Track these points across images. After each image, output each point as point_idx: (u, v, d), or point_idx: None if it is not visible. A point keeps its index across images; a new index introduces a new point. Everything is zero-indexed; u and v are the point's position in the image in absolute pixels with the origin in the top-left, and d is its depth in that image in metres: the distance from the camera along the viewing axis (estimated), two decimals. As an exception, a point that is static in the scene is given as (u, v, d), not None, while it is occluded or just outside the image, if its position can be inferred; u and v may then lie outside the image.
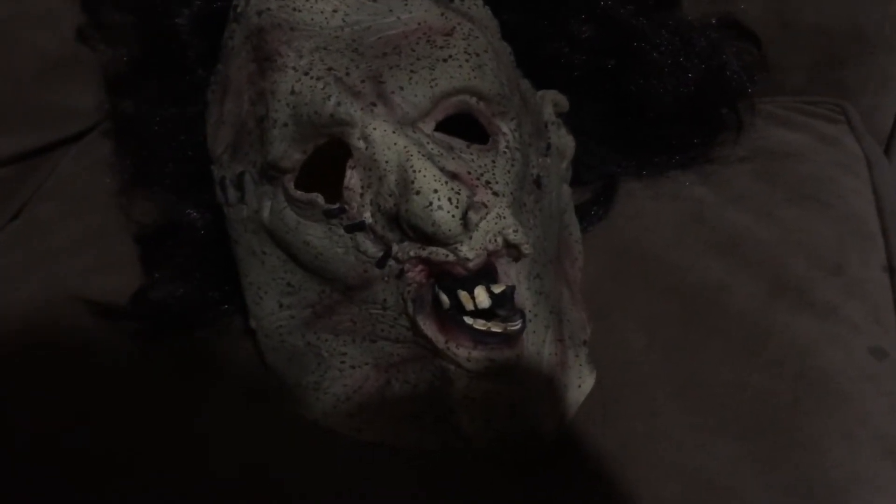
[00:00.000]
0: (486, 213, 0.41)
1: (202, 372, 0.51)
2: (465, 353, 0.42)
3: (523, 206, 0.45)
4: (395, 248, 0.42)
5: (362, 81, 0.42)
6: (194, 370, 0.51)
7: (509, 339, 0.42)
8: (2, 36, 0.68)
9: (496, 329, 0.42)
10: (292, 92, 0.42)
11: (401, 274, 0.42)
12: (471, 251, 0.41)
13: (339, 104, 0.41)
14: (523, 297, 0.44)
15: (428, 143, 0.42)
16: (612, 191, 0.60)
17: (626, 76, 0.58)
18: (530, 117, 0.49)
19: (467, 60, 0.43)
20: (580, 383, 0.47)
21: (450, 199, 0.40)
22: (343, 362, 0.47)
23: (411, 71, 0.42)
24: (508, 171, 0.44)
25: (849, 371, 0.47)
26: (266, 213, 0.45)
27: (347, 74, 0.42)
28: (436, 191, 0.40)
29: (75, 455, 0.47)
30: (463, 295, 0.41)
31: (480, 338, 0.42)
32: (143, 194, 0.61)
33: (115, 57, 0.67)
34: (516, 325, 0.42)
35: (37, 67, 0.70)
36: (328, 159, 0.44)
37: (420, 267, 0.42)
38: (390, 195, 0.41)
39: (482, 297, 0.41)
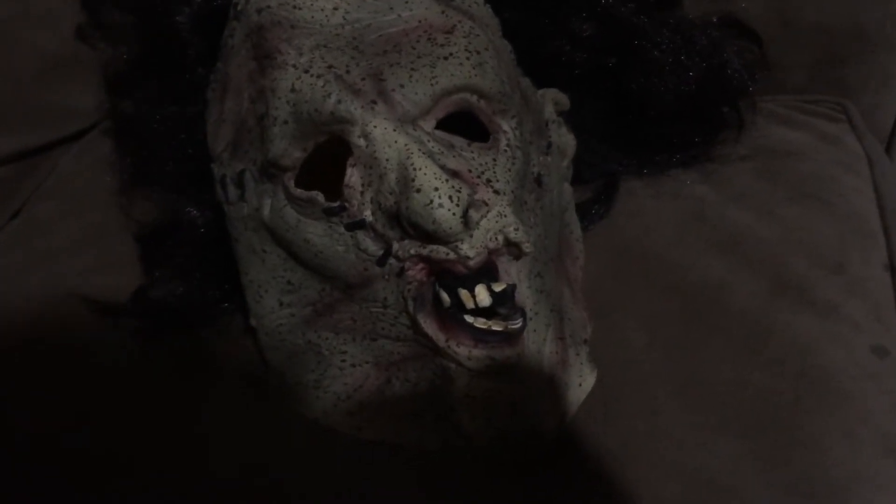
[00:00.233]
0: (487, 212, 0.41)
1: (202, 371, 0.51)
2: (465, 351, 0.42)
3: (524, 205, 0.45)
4: (395, 246, 0.42)
5: (363, 79, 0.42)
6: (194, 369, 0.51)
7: (510, 337, 0.42)
8: (2, 35, 0.68)
9: (497, 327, 0.42)
10: (292, 90, 0.42)
11: (401, 272, 0.42)
12: (471, 249, 0.41)
13: (339, 102, 0.41)
14: (524, 296, 0.44)
15: (428, 140, 0.42)
16: (613, 189, 0.60)
17: (627, 74, 0.58)
18: (531, 115, 0.49)
19: (468, 58, 0.43)
20: (581, 382, 0.47)
21: (450, 197, 0.40)
22: (343, 361, 0.47)
23: (412, 69, 0.42)
24: (509, 170, 0.44)
25: (850, 369, 0.47)
26: (266, 212, 0.45)
27: (348, 72, 0.42)
28: (436, 189, 0.39)
29: (75, 455, 0.47)
30: (463, 293, 0.41)
31: (481, 336, 0.41)
32: (143, 193, 0.61)
33: (115, 56, 0.67)
34: (517, 324, 0.42)
35: (37, 66, 0.70)
36: (328, 157, 0.44)
37: (421, 265, 0.42)
38: (391, 193, 0.41)
39: (483, 296, 0.41)
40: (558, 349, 0.46)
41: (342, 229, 0.43)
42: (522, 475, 0.44)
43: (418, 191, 0.40)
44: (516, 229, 0.42)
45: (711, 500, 0.42)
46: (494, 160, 0.44)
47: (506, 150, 0.44)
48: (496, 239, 0.41)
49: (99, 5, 0.68)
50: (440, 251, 0.41)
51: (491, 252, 0.42)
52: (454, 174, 0.41)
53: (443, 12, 0.44)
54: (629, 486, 0.43)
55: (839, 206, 0.58)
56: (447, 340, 0.42)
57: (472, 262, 0.41)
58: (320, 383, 0.47)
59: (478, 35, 0.44)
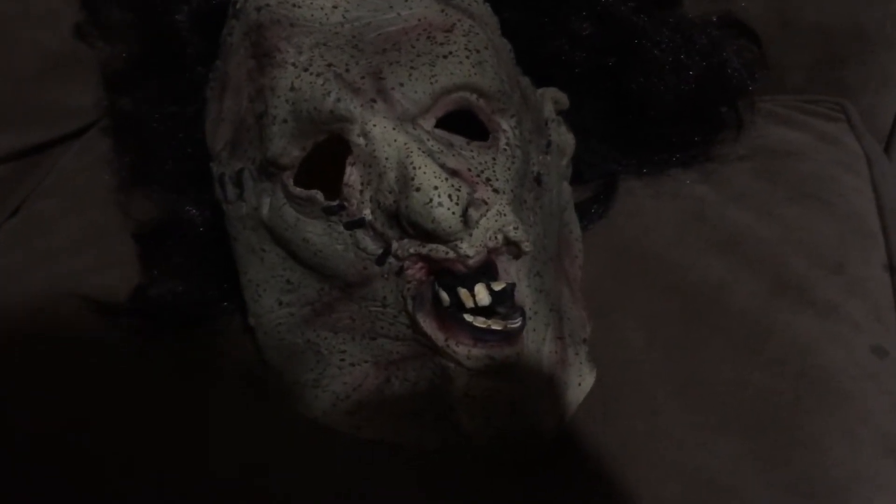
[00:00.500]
0: (487, 211, 0.41)
1: (202, 371, 0.51)
2: (464, 350, 0.42)
3: (523, 204, 0.45)
4: (394, 245, 0.42)
5: (362, 78, 0.42)
6: (194, 369, 0.51)
7: (509, 336, 0.42)
8: (2, 34, 0.68)
9: (496, 327, 0.42)
10: (292, 88, 0.42)
11: (400, 271, 0.42)
12: (471, 248, 0.41)
13: (338, 100, 0.41)
14: (523, 295, 0.44)
15: (428, 139, 0.42)
16: (612, 189, 0.60)
17: (626, 74, 0.58)
18: (530, 114, 0.48)
19: (467, 57, 0.43)
20: (580, 381, 0.47)
21: (450, 196, 0.39)
22: (342, 360, 0.47)
23: (411, 67, 0.42)
24: (509, 169, 0.44)
25: (850, 370, 0.47)
26: (265, 210, 0.45)
27: (347, 71, 0.42)
28: (436, 187, 0.39)
29: (75, 455, 0.47)
30: (463, 292, 0.41)
31: (480, 335, 0.41)
32: (142, 192, 0.61)
33: (115, 54, 0.67)
34: (516, 323, 0.42)
35: (37, 65, 0.70)
36: (327, 156, 0.44)
37: (420, 264, 0.42)
38: (390, 192, 0.41)
39: (482, 295, 0.41)
40: (557, 349, 0.46)
41: (341, 228, 0.43)
42: (522, 475, 0.44)
43: (418, 189, 0.40)
44: (516, 228, 0.42)
45: (711, 500, 0.42)
46: (494, 159, 0.44)
47: (505, 149, 0.44)
48: (495, 238, 0.41)
49: (98, 4, 0.68)
50: (439, 250, 0.41)
51: (490, 251, 0.42)
52: (454, 173, 0.41)
53: (442, 11, 0.44)
54: (629, 486, 0.43)
55: (839, 205, 0.58)
56: (446, 339, 0.42)
57: (471, 261, 0.41)
58: (319, 382, 0.47)
59: (477, 34, 0.44)
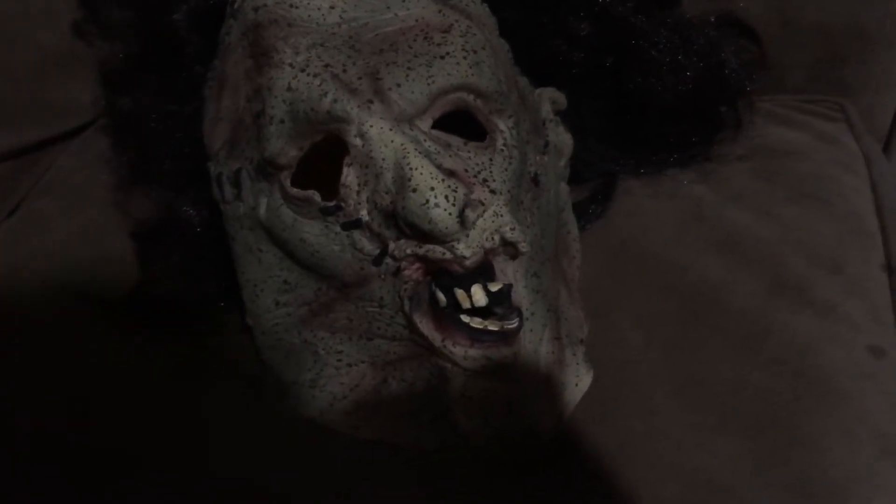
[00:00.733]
0: (484, 211, 0.41)
1: (199, 370, 0.51)
2: (461, 351, 0.42)
3: (521, 204, 0.45)
4: (391, 245, 0.42)
5: (359, 78, 0.42)
6: (191, 368, 0.51)
7: (506, 337, 0.42)
8: (2, 32, 0.68)
9: (493, 327, 0.42)
10: (289, 88, 0.42)
11: (397, 272, 0.42)
12: (468, 249, 0.41)
13: (335, 101, 0.41)
14: (520, 296, 0.44)
15: (425, 140, 0.42)
16: (610, 189, 0.60)
17: (624, 74, 0.58)
18: (528, 115, 0.48)
19: (465, 57, 0.43)
20: (577, 382, 0.47)
21: (447, 197, 0.39)
22: (340, 360, 0.47)
23: (408, 68, 0.42)
24: (506, 169, 0.44)
25: (848, 369, 0.47)
26: (262, 210, 0.45)
27: (344, 71, 0.42)
28: (433, 188, 0.39)
29: (75, 455, 0.47)
30: (460, 293, 0.41)
31: (477, 336, 0.41)
32: (140, 191, 0.61)
33: (113, 53, 0.67)
34: (513, 324, 0.42)
35: (35, 63, 0.70)
36: (325, 156, 0.44)
37: (417, 265, 0.42)
38: (387, 192, 0.41)
39: (479, 296, 0.41)
40: (555, 349, 0.46)
41: (338, 229, 0.43)
42: (520, 475, 0.44)
43: (415, 190, 0.40)
44: (513, 229, 0.42)
45: (710, 500, 0.42)
46: (491, 160, 0.44)
47: (502, 150, 0.44)
48: (492, 238, 0.41)
49: (97, 3, 0.68)
50: (436, 251, 0.41)
51: (487, 252, 0.42)
52: (451, 174, 0.41)
53: (440, 11, 0.44)
54: (627, 486, 0.43)
55: (837, 205, 0.58)
56: (443, 340, 0.42)
57: (468, 262, 0.41)
58: (316, 382, 0.47)
59: (475, 34, 0.44)
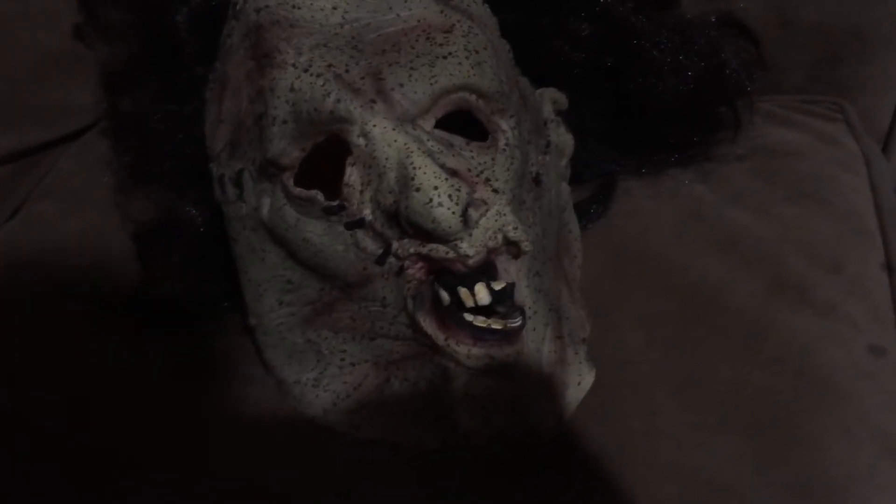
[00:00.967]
0: (486, 211, 0.41)
1: (201, 370, 0.51)
2: (464, 350, 0.42)
3: (523, 204, 0.45)
4: (394, 245, 0.42)
5: (362, 78, 0.42)
6: (193, 369, 0.51)
7: (509, 336, 0.42)
8: (2, 33, 0.68)
9: (496, 326, 0.42)
10: (291, 89, 0.42)
11: (401, 271, 0.42)
12: (471, 248, 0.41)
13: (338, 101, 0.41)
14: (523, 295, 0.44)
15: (428, 140, 0.42)
16: (611, 189, 0.60)
17: (625, 74, 0.58)
18: (529, 115, 0.49)
19: (467, 58, 0.43)
20: (580, 381, 0.47)
21: (450, 196, 0.40)
22: (343, 360, 0.47)
23: (411, 68, 0.42)
24: (508, 169, 0.44)
25: (848, 369, 0.47)
26: (265, 211, 0.45)
27: (347, 71, 0.42)
28: (436, 188, 0.39)
29: (75, 455, 0.47)
30: (463, 292, 0.41)
31: (480, 335, 0.42)
32: (141, 192, 0.61)
33: (114, 54, 0.67)
34: (516, 322, 0.42)
35: (36, 65, 0.70)
36: (327, 156, 0.44)
37: (420, 264, 0.42)
38: (390, 192, 0.41)
39: (482, 294, 0.41)
40: (557, 348, 0.46)
41: (341, 228, 0.43)
42: (521, 474, 0.44)
43: (418, 190, 0.40)
44: (515, 228, 0.42)
45: (710, 500, 0.42)
46: (493, 159, 0.44)
47: (504, 150, 0.44)
48: (495, 238, 0.42)
49: (97, 4, 0.68)
50: (439, 250, 0.41)
51: (490, 251, 0.42)
52: (453, 173, 0.41)
53: (441, 12, 0.44)
54: (627, 485, 0.43)
55: (837, 205, 0.58)
56: (446, 339, 0.42)
57: (471, 261, 0.41)
58: (319, 382, 0.47)
59: (476, 34, 0.44)
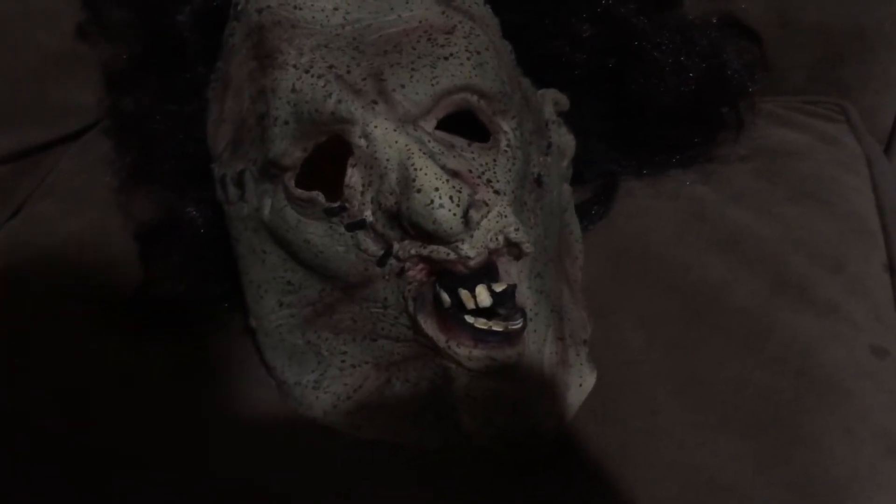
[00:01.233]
0: (488, 212, 0.41)
1: (201, 370, 0.51)
2: (465, 351, 0.42)
3: (524, 205, 0.45)
4: (395, 246, 0.42)
5: (363, 79, 0.42)
6: (193, 369, 0.51)
7: (510, 337, 0.42)
8: (2, 33, 0.68)
9: (497, 328, 0.42)
10: (293, 90, 0.42)
11: (402, 272, 0.42)
12: (472, 249, 0.41)
13: (339, 102, 0.41)
14: (524, 296, 0.44)
15: (429, 141, 0.42)
16: (612, 189, 0.60)
17: (626, 75, 0.58)
18: (531, 116, 0.49)
19: (468, 58, 0.43)
20: (581, 382, 0.47)
21: (451, 198, 0.40)
22: (343, 361, 0.47)
23: (412, 69, 0.42)
24: (509, 170, 0.44)
25: (850, 368, 0.47)
26: (266, 211, 0.45)
27: (348, 72, 0.42)
28: (437, 189, 0.39)
29: (75, 455, 0.47)
30: (464, 293, 0.41)
31: (481, 336, 0.41)
32: (142, 192, 0.61)
33: (116, 54, 0.67)
34: (517, 324, 0.42)
35: (37, 64, 0.70)
36: (328, 157, 0.44)
37: (421, 265, 0.42)
38: (391, 193, 0.41)
39: (483, 296, 0.41)
40: (558, 349, 0.46)
41: (342, 229, 0.43)
42: (522, 475, 0.44)
43: (419, 191, 0.40)
44: (516, 229, 0.42)
45: (711, 500, 0.42)
46: (495, 160, 0.44)
47: (506, 151, 0.44)
48: (496, 239, 0.41)
49: (99, 4, 0.68)
50: (441, 251, 0.41)
51: (491, 252, 0.42)
52: (455, 174, 0.41)
53: (443, 12, 0.44)
54: (629, 485, 0.43)
55: (839, 205, 0.58)
56: (447, 341, 0.42)
57: (472, 263, 0.41)
58: (320, 383, 0.47)
59: (478, 35, 0.44)
